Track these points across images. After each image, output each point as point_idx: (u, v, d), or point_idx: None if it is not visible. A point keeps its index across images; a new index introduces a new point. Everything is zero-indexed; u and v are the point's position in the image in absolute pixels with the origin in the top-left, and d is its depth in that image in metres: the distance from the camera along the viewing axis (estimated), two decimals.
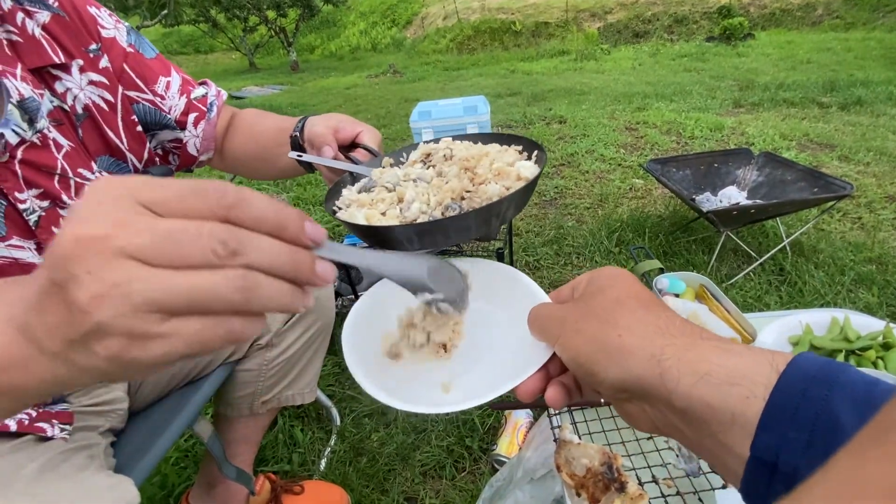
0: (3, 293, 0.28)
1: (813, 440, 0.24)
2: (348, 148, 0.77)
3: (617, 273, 0.38)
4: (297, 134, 0.78)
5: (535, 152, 0.61)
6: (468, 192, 0.56)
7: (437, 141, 0.69)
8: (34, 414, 0.65)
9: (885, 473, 0.16)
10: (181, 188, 0.25)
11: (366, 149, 0.74)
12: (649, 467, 0.64)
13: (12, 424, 0.61)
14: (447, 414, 0.50)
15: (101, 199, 0.24)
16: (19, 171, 0.60)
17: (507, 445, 1.22)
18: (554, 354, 0.40)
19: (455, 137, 0.69)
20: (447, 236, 0.51)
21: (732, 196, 2.13)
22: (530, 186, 0.54)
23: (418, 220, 0.53)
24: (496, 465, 1.22)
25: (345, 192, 0.63)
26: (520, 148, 0.64)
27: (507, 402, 1.13)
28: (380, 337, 0.51)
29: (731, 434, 0.27)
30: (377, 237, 0.52)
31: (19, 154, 0.60)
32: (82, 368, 0.25)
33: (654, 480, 0.62)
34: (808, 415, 0.25)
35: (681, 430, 0.30)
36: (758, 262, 1.91)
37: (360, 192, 0.62)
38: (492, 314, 0.53)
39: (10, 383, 0.27)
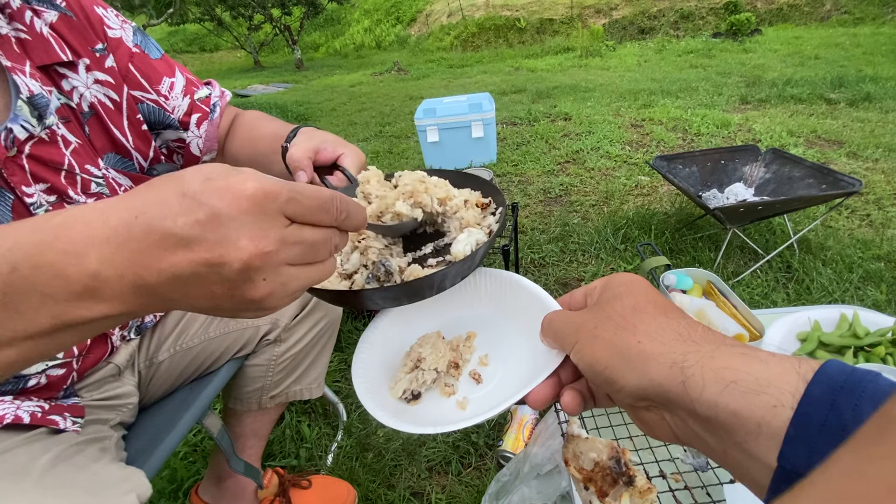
0: (127, 242, 0.29)
1: None
2: (329, 169, 0.74)
3: (632, 279, 0.38)
4: (288, 145, 0.77)
5: (499, 210, 0.58)
6: None
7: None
8: (46, 407, 0.66)
9: (885, 472, 0.16)
10: (313, 205, 0.32)
11: (344, 173, 0.71)
12: (657, 462, 0.64)
13: (25, 417, 0.62)
14: (465, 429, 0.50)
15: (262, 211, 0.30)
16: (27, 166, 0.61)
17: (512, 441, 1.23)
18: (565, 361, 0.40)
19: (432, 173, 0.63)
20: (374, 302, 0.50)
21: (739, 193, 2.11)
22: (467, 261, 0.50)
23: (354, 281, 0.53)
24: (501, 461, 1.22)
25: None
26: (487, 201, 0.60)
27: None
28: (388, 384, 0.51)
29: (758, 443, 0.27)
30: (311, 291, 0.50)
31: (27, 149, 0.60)
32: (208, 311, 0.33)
33: (662, 475, 0.62)
34: (836, 426, 0.24)
35: (703, 438, 0.30)
36: (765, 260, 1.90)
37: None
38: (501, 324, 0.53)
39: (117, 320, 0.31)
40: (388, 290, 0.49)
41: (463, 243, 0.53)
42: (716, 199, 2.12)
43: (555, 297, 0.48)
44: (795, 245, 1.95)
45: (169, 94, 0.77)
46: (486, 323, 0.55)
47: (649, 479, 0.59)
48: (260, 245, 0.29)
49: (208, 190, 0.29)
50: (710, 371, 0.29)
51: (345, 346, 1.69)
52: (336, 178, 0.72)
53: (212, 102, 0.82)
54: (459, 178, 0.64)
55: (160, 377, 0.89)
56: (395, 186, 0.59)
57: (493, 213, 0.60)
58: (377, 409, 0.45)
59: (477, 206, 0.60)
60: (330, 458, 1.30)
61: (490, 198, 0.61)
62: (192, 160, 0.83)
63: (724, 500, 0.57)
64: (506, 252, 1.62)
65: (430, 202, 0.56)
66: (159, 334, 0.89)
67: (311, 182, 0.71)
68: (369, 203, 0.56)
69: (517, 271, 1.94)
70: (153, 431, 0.83)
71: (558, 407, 0.78)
